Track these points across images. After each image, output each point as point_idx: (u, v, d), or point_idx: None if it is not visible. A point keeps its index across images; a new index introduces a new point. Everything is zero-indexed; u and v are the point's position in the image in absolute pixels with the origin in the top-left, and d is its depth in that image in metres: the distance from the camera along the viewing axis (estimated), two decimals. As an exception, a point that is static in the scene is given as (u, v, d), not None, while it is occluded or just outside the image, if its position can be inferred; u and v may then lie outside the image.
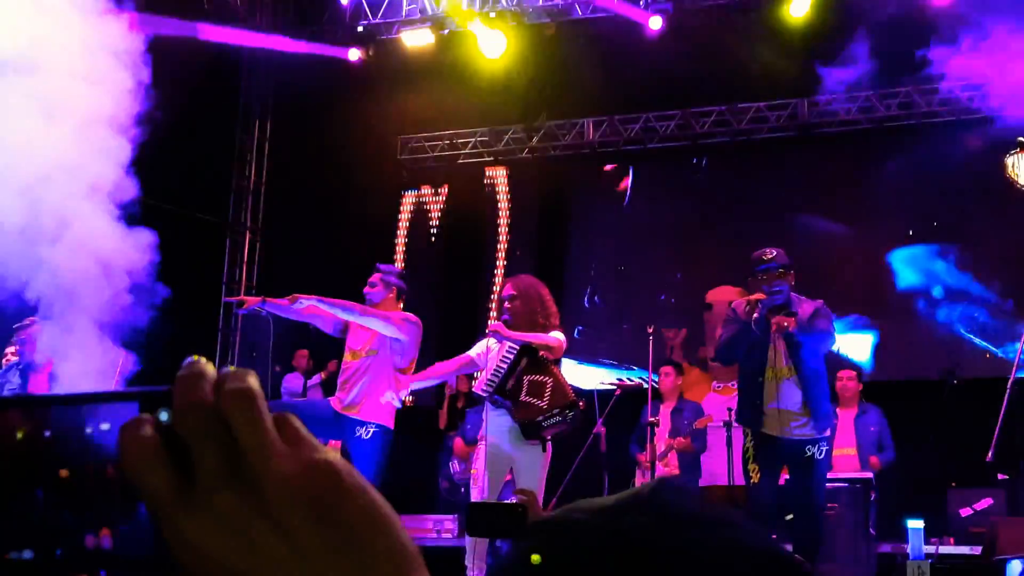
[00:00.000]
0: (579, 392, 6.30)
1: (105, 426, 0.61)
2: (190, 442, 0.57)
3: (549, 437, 5.93)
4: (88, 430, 0.62)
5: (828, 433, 5.83)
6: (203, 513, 0.56)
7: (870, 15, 9.23)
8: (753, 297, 5.72)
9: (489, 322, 6.11)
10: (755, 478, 5.72)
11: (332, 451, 0.58)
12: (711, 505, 0.69)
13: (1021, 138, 10.05)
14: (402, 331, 6.15)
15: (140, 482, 0.57)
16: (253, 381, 0.58)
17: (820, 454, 5.74)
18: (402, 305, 6.45)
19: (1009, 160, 10.13)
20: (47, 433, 0.63)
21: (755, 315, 5.67)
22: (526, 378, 5.94)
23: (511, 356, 6.02)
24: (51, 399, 0.63)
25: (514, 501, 2.61)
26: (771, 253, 5.78)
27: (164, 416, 0.58)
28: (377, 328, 6.18)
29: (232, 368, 0.58)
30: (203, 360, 0.59)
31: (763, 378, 5.73)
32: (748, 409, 5.83)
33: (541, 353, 6.04)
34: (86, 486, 0.62)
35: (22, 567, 0.62)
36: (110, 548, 0.61)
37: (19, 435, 0.63)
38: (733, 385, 9.13)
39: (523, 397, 5.89)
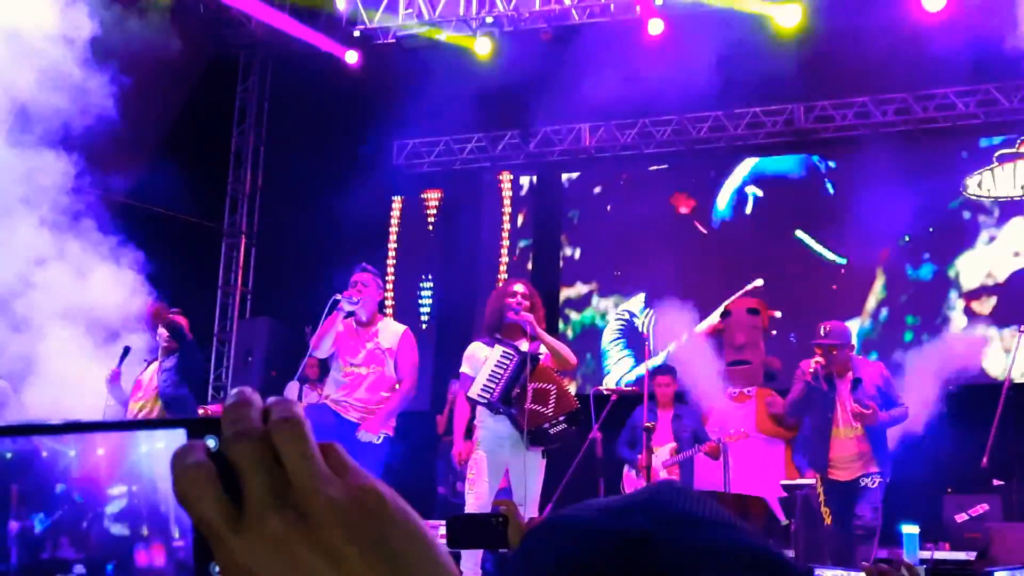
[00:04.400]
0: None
1: (145, 448, 0.64)
2: (240, 468, 0.59)
3: (551, 445, 5.93)
4: (143, 448, 0.64)
5: (883, 471, 6.74)
6: (254, 537, 0.58)
7: (865, 21, 9.24)
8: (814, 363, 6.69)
9: (519, 311, 6.06)
10: (828, 520, 6.76)
11: (377, 479, 0.60)
12: (710, 506, 0.71)
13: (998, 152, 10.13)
14: (415, 365, 6.50)
15: (193, 507, 0.59)
16: (299, 410, 0.60)
17: (873, 483, 6.69)
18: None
19: (972, 180, 10.21)
20: (99, 451, 0.65)
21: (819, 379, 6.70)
22: (531, 386, 5.92)
23: (507, 361, 5.99)
24: (100, 425, 0.66)
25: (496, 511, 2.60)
26: (827, 328, 6.76)
27: (212, 443, 0.60)
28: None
29: (278, 398, 0.61)
30: (249, 389, 0.62)
31: (830, 432, 6.71)
32: (816, 457, 6.85)
33: (548, 362, 6.04)
34: (139, 503, 0.64)
35: None
36: (162, 566, 0.63)
37: (72, 453, 0.65)
38: (748, 392, 9.12)
39: (528, 405, 5.87)
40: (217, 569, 0.60)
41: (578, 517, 0.72)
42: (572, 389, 10.95)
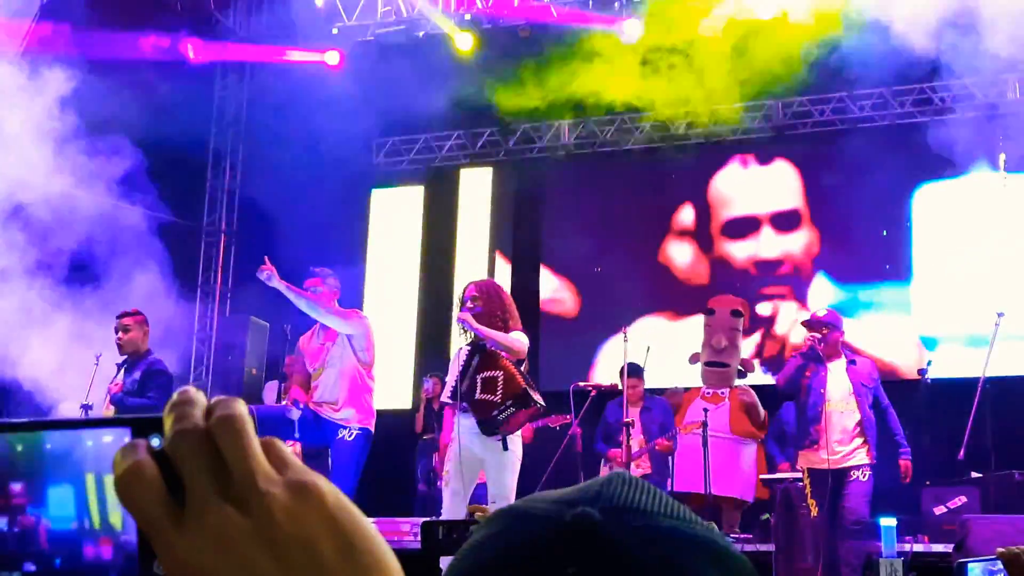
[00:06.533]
0: (537, 391, 6.20)
1: (92, 444, 0.65)
2: (182, 466, 0.60)
3: (507, 432, 5.90)
4: (88, 443, 0.65)
5: (874, 461, 6.71)
6: (195, 534, 0.58)
7: (845, 16, 9.27)
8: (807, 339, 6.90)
9: (459, 312, 6.06)
10: (814, 512, 6.74)
11: (317, 474, 0.61)
12: (659, 497, 0.73)
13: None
14: (357, 327, 6.52)
15: (134, 505, 0.59)
16: (242, 408, 0.61)
17: (864, 476, 6.69)
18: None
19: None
20: (47, 446, 0.66)
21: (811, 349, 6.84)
22: (479, 376, 5.93)
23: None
24: (47, 423, 0.66)
25: (473, 516, 2.61)
26: (821, 311, 7.11)
27: (156, 441, 0.61)
28: (335, 326, 6.51)
29: (222, 397, 0.62)
30: (193, 388, 0.62)
31: (820, 410, 6.73)
32: (805, 438, 6.82)
33: (499, 350, 6.03)
34: (87, 500, 0.65)
35: None
36: (110, 560, 0.64)
37: (19, 448, 0.66)
38: (722, 393, 9.14)
39: (478, 396, 5.89)
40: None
41: (528, 507, 0.74)
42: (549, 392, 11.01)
